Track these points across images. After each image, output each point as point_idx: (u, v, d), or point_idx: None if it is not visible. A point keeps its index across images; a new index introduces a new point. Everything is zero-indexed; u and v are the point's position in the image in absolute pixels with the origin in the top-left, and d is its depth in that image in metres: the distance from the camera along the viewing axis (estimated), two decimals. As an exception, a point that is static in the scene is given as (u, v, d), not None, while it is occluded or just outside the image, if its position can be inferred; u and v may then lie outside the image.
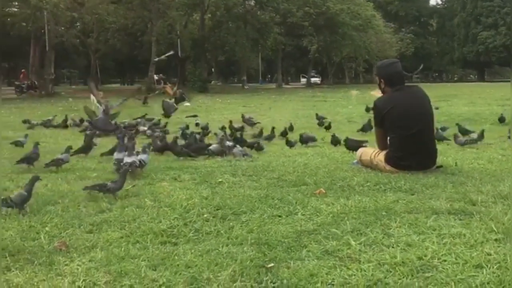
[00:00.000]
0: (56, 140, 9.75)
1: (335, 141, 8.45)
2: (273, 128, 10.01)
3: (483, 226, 3.34)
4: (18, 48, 52.58)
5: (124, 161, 5.46)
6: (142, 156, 5.72)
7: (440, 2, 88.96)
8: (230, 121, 11.43)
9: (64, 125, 12.95)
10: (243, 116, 13.05)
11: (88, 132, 9.75)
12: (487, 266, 2.70)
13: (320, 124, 12.68)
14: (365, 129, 10.70)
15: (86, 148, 7.32)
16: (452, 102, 20.82)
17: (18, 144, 8.39)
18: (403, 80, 5.75)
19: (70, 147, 6.63)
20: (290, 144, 8.50)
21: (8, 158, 7.07)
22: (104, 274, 2.77)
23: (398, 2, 79.29)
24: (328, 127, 11.88)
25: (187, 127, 10.81)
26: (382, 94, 5.70)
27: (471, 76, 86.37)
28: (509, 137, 8.58)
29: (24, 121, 13.23)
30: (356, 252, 2.97)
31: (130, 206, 4.05)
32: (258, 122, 12.49)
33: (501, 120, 12.40)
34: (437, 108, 14.30)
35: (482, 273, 2.63)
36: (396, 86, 5.57)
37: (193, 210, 3.88)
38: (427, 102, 5.63)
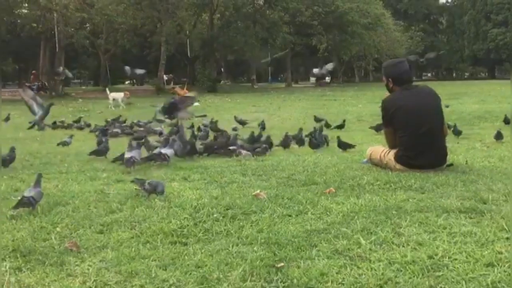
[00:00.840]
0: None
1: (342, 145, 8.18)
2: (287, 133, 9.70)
3: (494, 224, 3.33)
4: (28, 50, 52.90)
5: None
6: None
7: (449, 0, 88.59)
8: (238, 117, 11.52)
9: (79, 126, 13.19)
10: (235, 117, 13.75)
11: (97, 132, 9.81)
12: (498, 264, 2.68)
13: (327, 125, 12.36)
14: (378, 128, 10.55)
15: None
16: (463, 100, 20.75)
17: (64, 144, 8.67)
18: (411, 79, 5.74)
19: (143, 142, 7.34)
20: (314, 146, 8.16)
21: (18, 158, 7.10)
22: (114, 274, 2.78)
23: (408, 0, 79.04)
24: (341, 126, 11.82)
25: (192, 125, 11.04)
26: None
27: (482, 73, 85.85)
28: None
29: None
30: (367, 251, 2.97)
31: (140, 206, 4.06)
32: (247, 122, 13.19)
33: (506, 121, 11.53)
34: (447, 106, 14.24)
35: (493, 271, 2.61)
36: (404, 85, 5.56)
37: (203, 210, 3.88)
38: (437, 101, 5.60)
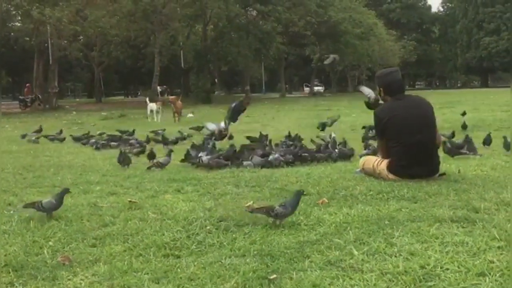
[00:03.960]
0: (60, 153, 9.76)
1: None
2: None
3: (486, 233, 3.34)
4: (22, 63, 52.99)
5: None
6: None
7: (441, 9, 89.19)
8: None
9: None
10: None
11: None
12: (489, 274, 2.70)
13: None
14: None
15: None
16: (456, 109, 20.77)
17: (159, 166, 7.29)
18: (403, 89, 5.78)
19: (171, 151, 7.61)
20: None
21: (11, 172, 7.10)
22: (107, 288, 2.78)
23: (400, 9, 79.59)
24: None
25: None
26: None
27: (475, 82, 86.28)
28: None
29: (23, 136, 13.29)
30: (359, 261, 2.98)
31: (133, 219, 4.05)
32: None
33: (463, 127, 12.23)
34: (464, 114, 14.38)
35: (485, 281, 2.63)
36: (396, 95, 5.58)
37: (196, 222, 3.88)
38: (429, 110, 5.63)
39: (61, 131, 13.68)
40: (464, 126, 12.39)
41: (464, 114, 14.82)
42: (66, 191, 4.38)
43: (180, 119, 20.05)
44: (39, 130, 14.12)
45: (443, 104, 20.06)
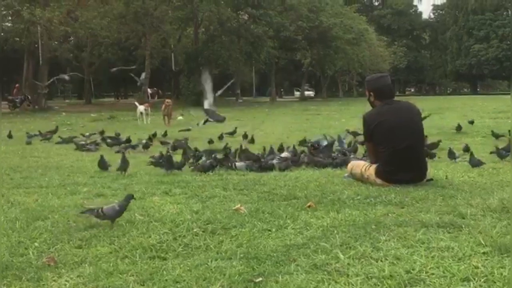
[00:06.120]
0: (48, 154, 9.72)
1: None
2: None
3: (471, 239, 3.36)
4: (11, 63, 52.59)
5: None
6: None
7: (432, 16, 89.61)
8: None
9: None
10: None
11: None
12: (474, 279, 2.71)
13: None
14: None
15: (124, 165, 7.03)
16: (445, 115, 20.89)
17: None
18: (393, 94, 5.81)
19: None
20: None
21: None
22: (92, 290, 2.77)
23: (391, 15, 79.99)
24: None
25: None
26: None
27: (465, 89, 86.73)
28: (496, 152, 8.01)
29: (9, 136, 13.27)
30: (345, 265, 2.98)
31: (120, 221, 4.03)
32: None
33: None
34: (472, 122, 14.63)
35: (469, 286, 2.64)
36: (385, 100, 5.60)
37: (183, 225, 3.87)
38: (417, 116, 5.66)
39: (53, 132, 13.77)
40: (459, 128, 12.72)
41: (472, 122, 15.26)
42: (130, 197, 4.16)
43: (170, 122, 19.99)
44: (55, 131, 14.09)
45: (432, 111, 20.10)
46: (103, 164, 7.14)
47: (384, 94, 5.66)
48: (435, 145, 9.16)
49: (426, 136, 8.16)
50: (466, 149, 8.69)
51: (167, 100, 21.43)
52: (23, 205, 4.76)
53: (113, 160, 7.47)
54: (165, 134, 13.43)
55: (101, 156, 7.29)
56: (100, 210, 3.94)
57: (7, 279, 2.94)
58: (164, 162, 7.06)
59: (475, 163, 6.82)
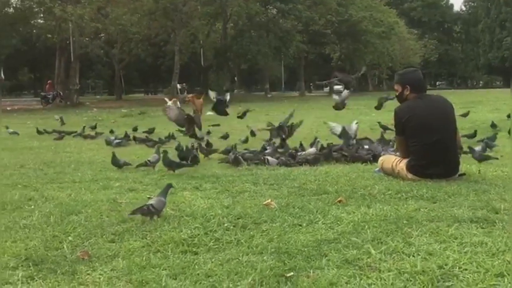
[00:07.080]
0: (80, 150, 9.85)
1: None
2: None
3: (505, 234, 3.32)
4: (43, 59, 53.56)
5: None
6: None
7: (464, 8, 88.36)
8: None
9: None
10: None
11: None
12: (508, 274, 2.68)
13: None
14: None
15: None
16: (477, 109, 20.57)
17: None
18: (425, 88, 5.78)
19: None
20: None
21: (32, 167, 7.19)
22: (125, 283, 2.81)
23: (421, 8, 78.98)
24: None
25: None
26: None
27: (497, 82, 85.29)
28: None
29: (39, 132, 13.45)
30: (376, 261, 2.97)
31: (151, 216, 4.07)
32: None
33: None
34: (466, 115, 14.20)
35: (503, 281, 2.61)
36: (419, 93, 5.56)
37: (214, 219, 3.89)
38: (450, 110, 5.59)
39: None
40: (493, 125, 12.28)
41: (509, 116, 14.84)
42: (169, 186, 4.23)
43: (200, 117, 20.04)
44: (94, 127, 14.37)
45: (464, 104, 19.85)
46: (115, 161, 7.11)
47: (420, 87, 5.63)
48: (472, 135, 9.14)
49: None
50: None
51: (188, 95, 21.52)
52: (57, 200, 4.85)
53: (144, 156, 7.55)
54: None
55: (113, 153, 7.25)
56: (151, 206, 3.95)
57: (42, 273, 2.99)
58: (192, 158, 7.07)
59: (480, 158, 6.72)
